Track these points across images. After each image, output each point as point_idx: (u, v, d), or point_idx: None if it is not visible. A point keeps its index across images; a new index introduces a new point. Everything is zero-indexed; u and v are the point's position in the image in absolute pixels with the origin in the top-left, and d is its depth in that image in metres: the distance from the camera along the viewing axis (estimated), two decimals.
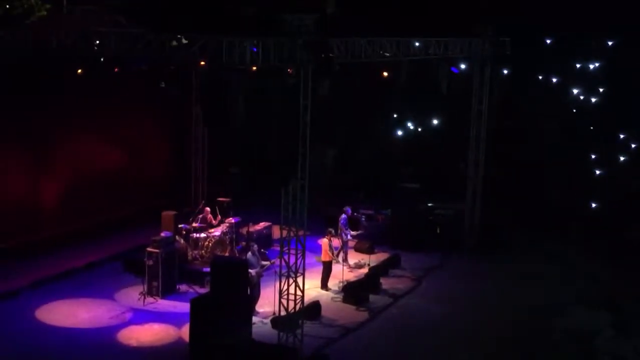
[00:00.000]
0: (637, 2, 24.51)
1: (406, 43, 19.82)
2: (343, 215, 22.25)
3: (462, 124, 25.04)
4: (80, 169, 23.39)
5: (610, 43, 26.84)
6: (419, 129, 29.40)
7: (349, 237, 22.24)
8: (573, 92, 27.54)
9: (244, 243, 21.61)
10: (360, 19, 24.84)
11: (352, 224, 23.25)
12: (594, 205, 26.42)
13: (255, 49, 15.67)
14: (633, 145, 26.45)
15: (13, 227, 21.34)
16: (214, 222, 22.10)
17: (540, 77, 27.86)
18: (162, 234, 20.31)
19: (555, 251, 24.31)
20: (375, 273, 21.32)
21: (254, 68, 16.42)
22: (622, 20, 25.34)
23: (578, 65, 27.45)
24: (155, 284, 19.42)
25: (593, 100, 27.27)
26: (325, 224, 22.07)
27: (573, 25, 25.95)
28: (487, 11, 25.04)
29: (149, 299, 19.27)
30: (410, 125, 29.54)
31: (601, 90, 27.02)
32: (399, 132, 29.61)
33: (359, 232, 22.98)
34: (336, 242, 21.56)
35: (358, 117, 29.35)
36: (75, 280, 20.59)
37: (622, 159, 26.58)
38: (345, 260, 21.93)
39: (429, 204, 25.61)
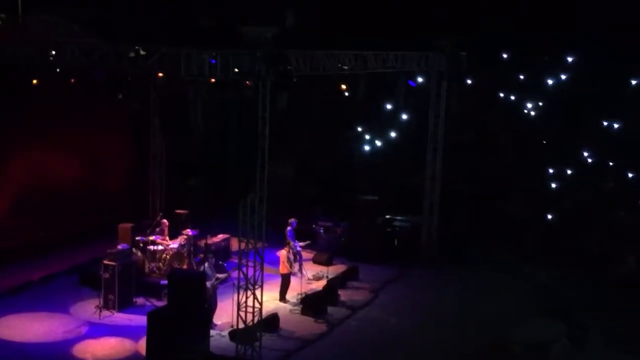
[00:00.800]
0: (591, 19, 25.04)
1: (364, 56, 19.98)
2: (289, 228, 22.18)
3: (420, 137, 25.27)
4: (37, 180, 23.04)
5: (565, 59, 27.35)
6: (378, 142, 29.60)
7: (297, 248, 22.21)
8: (528, 106, 27.98)
9: (202, 255, 21.51)
10: (319, 32, 25.03)
11: (307, 235, 23.27)
12: (549, 217, 26.81)
13: (213, 61, 15.67)
14: (589, 160, 26.93)
15: None
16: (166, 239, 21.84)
17: (496, 91, 28.26)
18: (119, 247, 20.14)
19: (512, 263, 24.61)
20: (334, 285, 21.36)
21: (213, 80, 16.41)
22: (577, 36, 25.85)
23: (534, 80, 27.91)
24: (111, 297, 19.21)
25: (548, 114, 27.74)
26: (284, 236, 22.07)
27: (529, 40, 26.42)
28: (444, 26, 25.34)
29: (105, 313, 19.06)
30: (368, 138, 29.73)
31: (555, 104, 27.52)
32: (358, 145, 29.77)
33: (306, 242, 22.77)
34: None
35: (317, 130, 29.45)
36: (30, 294, 20.28)
37: (572, 172, 27.05)
38: (299, 270, 21.92)
39: (387, 216, 25.77)
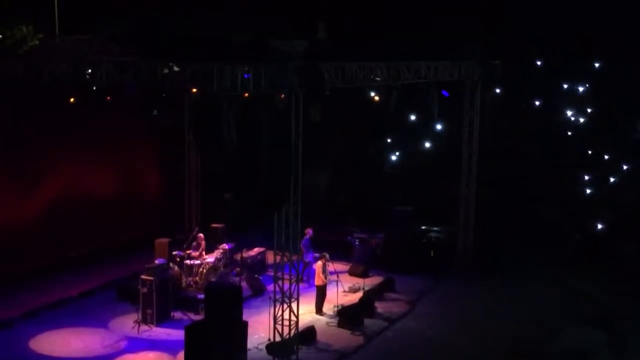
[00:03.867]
0: (622, 25, 24.81)
1: (396, 67, 19.95)
2: (306, 237, 22.04)
3: (452, 146, 25.14)
4: (74, 196, 23.36)
5: (597, 65, 27.09)
6: (411, 152, 29.50)
7: (310, 258, 22.07)
8: (565, 113, 27.72)
9: (238, 269, 21.59)
10: (350, 44, 25.05)
11: (341, 247, 23.15)
12: (587, 225, 26.47)
13: (246, 75, 15.76)
14: (625, 167, 26.59)
15: (5, 255, 21.26)
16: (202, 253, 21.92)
17: (530, 99, 28.06)
18: (156, 261, 20.27)
19: (550, 271, 24.33)
20: (370, 297, 21.29)
21: (246, 94, 16.51)
22: (609, 41, 25.61)
23: (567, 87, 27.67)
24: (149, 311, 19.35)
25: (583, 120, 27.48)
26: (319, 248, 22.06)
27: (561, 47, 26.22)
28: (477, 33, 25.22)
29: (144, 327, 19.19)
30: (401, 148, 29.64)
31: (590, 110, 27.26)
32: (391, 156, 29.71)
33: (321, 254, 22.28)
34: (331, 266, 21.49)
35: (350, 142, 29.45)
36: (69, 309, 20.50)
37: (613, 179, 26.71)
38: (306, 281, 21.65)
39: (422, 227, 25.63)
